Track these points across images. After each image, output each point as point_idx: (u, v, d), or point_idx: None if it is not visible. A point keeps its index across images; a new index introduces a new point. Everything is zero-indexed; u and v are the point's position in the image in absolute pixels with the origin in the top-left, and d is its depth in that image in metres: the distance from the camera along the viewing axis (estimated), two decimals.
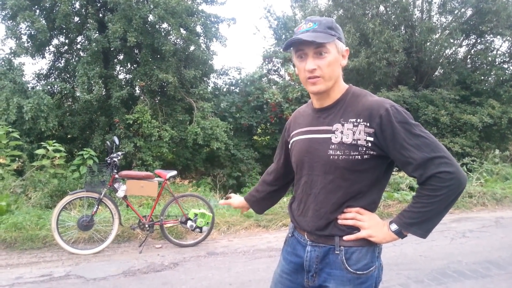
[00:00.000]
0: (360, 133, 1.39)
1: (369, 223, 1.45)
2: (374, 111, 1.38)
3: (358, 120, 1.41)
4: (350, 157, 1.40)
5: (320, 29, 1.43)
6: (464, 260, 4.28)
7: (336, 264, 1.48)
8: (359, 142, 1.39)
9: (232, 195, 2.13)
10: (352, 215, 1.46)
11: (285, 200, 6.12)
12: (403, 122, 1.36)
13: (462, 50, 13.75)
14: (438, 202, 1.33)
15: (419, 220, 1.37)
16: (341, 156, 1.42)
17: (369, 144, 1.39)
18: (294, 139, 1.62)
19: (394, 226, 1.42)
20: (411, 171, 1.37)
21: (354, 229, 1.47)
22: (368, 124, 1.39)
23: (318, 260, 1.52)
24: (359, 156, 1.40)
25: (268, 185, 1.92)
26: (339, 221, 1.48)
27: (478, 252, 4.56)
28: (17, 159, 7.20)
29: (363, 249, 1.47)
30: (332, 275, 1.48)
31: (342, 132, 1.43)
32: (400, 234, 1.42)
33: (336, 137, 1.44)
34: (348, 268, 1.46)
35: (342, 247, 1.47)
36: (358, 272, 1.45)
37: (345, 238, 1.47)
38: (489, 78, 12.84)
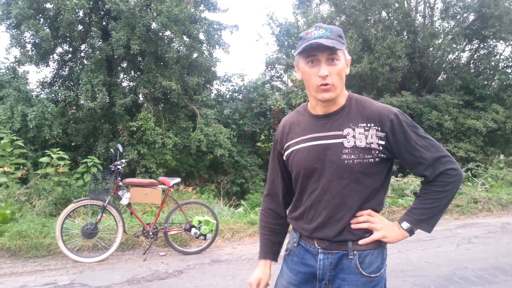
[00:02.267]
0: (372, 137, 1.45)
1: (382, 225, 1.49)
2: (384, 116, 1.46)
3: (369, 125, 1.46)
4: (365, 160, 1.44)
5: (333, 36, 1.42)
6: (470, 267, 4.24)
7: (350, 269, 1.49)
8: (372, 145, 1.45)
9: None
10: (365, 218, 1.48)
11: None
12: (411, 126, 1.47)
13: (465, 55, 13.74)
14: (445, 198, 1.47)
15: (428, 216, 1.48)
16: (356, 160, 1.44)
17: (381, 148, 1.45)
18: (293, 148, 1.56)
19: (406, 224, 1.50)
20: (422, 170, 1.47)
21: (366, 232, 1.49)
22: (379, 128, 1.45)
23: (332, 267, 1.51)
24: (372, 159, 1.45)
25: (284, 218, 1.73)
26: (352, 226, 1.49)
27: (484, 258, 4.52)
28: (21, 167, 7.23)
29: (374, 251, 1.50)
30: (347, 280, 1.49)
31: (354, 137, 1.46)
32: (411, 231, 1.51)
33: (348, 142, 1.45)
34: (362, 272, 1.47)
35: (355, 251, 1.48)
36: (371, 276, 1.48)
37: (360, 242, 1.48)
38: (493, 83, 12.80)
